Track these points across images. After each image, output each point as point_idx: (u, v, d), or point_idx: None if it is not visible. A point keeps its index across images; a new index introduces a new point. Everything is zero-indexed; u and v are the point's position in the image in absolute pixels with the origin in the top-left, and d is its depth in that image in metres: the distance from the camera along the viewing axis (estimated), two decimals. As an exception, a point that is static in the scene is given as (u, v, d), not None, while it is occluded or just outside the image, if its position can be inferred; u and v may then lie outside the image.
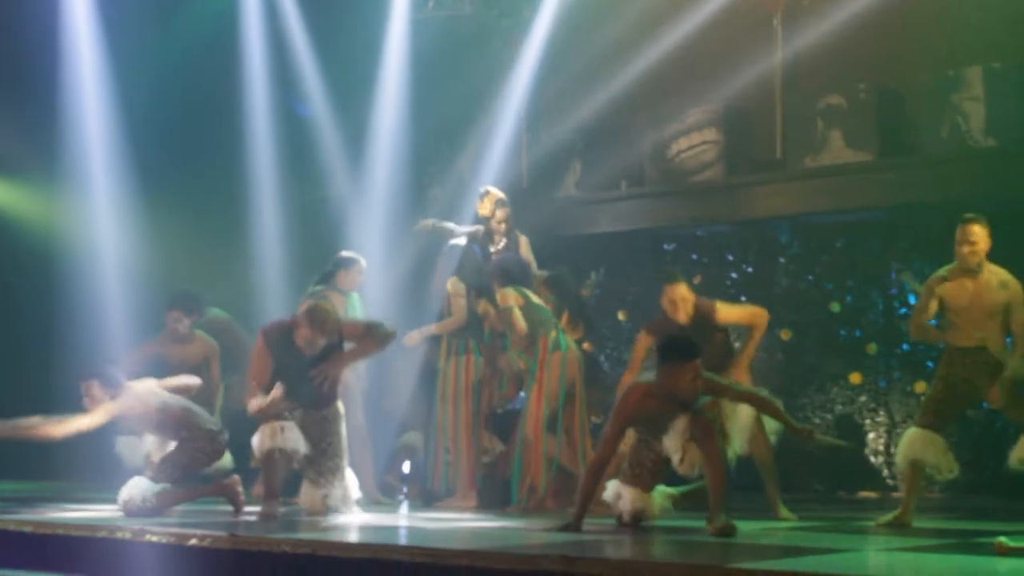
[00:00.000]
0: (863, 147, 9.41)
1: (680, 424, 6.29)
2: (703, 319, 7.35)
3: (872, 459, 9.61)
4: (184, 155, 11.16)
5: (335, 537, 5.95)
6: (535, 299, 8.16)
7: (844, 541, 5.89)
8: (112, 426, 8.50)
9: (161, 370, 8.57)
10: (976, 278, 6.75)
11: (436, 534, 6.32)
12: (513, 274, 8.18)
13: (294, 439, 7.14)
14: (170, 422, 7.36)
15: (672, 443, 6.33)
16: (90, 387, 7.18)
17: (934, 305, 6.87)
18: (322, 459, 7.25)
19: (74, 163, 10.73)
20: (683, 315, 7.31)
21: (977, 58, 9.03)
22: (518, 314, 7.95)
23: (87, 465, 9.24)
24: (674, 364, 6.22)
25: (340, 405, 7.43)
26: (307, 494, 7.28)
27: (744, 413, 7.15)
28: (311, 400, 7.22)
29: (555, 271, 8.72)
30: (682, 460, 6.33)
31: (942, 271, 6.91)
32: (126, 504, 7.10)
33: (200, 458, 7.40)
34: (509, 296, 8.03)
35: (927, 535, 6.46)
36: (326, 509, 7.21)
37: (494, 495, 8.16)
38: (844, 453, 9.26)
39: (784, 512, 7.16)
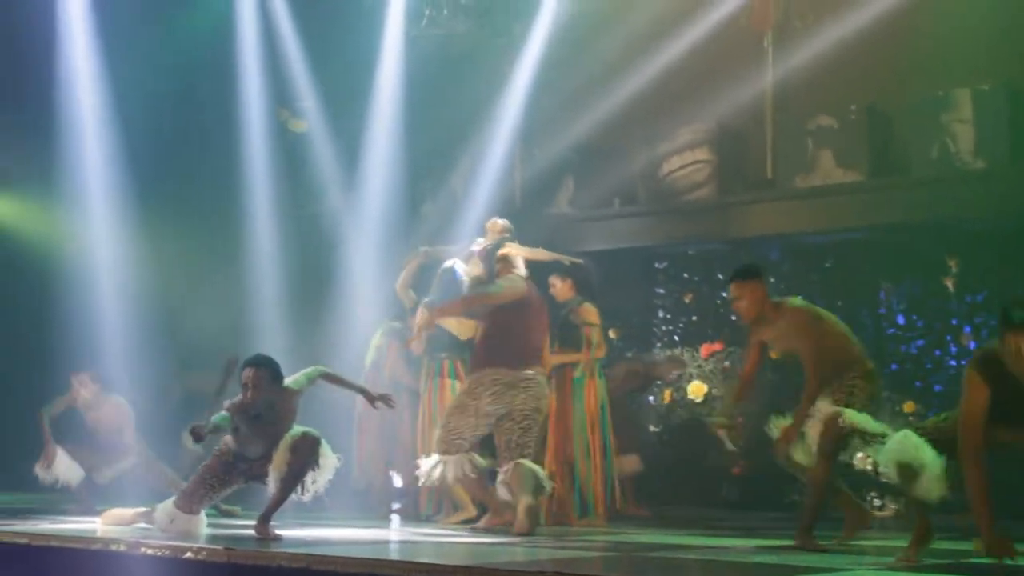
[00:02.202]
0: (853, 167, 9.47)
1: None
2: None
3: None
4: (180, 169, 11.20)
5: (331, 552, 5.96)
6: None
7: (839, 560, 5.89)
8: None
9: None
10: None
11: (430, 550, 6.34)
12: (593, 288, 8.50)
13: None
14: None
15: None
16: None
17: None
18: None
19: (70, 177, 10.74)
20: None
21: (966, 80, 9.08)
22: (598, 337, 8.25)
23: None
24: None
25: None
26: None
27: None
28: None
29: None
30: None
31: None
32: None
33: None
34: (591, 313, 8.30)
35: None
36: None
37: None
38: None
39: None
